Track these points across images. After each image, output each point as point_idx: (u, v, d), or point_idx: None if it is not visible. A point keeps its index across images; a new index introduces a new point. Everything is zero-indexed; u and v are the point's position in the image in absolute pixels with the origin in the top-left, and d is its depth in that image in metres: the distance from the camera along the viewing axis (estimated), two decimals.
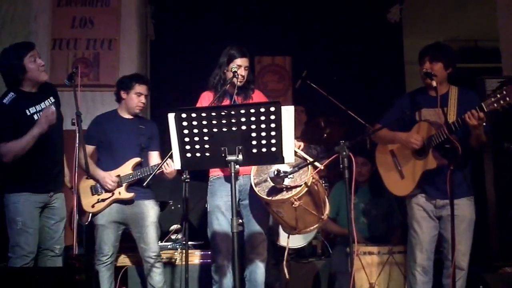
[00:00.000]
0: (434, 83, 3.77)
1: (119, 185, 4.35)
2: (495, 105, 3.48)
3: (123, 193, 4.36)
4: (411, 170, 3.94)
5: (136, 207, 4.39)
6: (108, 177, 4.33)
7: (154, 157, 4.53)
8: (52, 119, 3.90)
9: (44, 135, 3.89)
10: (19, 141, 3.84)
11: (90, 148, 4.43)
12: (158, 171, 4.03)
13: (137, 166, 4.40)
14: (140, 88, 4.47)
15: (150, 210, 4.42)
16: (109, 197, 4.36)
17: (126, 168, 4.38)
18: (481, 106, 3.53)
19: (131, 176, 4.34)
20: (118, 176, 4.36)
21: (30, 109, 3.97)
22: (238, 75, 3.92)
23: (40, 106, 4.01)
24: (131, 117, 4.54)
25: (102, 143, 4.45)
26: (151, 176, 4.03)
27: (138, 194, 4.38)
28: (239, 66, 3.97)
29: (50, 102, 4.08)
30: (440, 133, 3.72)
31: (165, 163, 4.06)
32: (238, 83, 3.97)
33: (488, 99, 3.52)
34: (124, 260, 4.89)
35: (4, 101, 3.92)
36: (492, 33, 6.26)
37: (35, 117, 3.95)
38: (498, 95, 3.47)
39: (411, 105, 4.07)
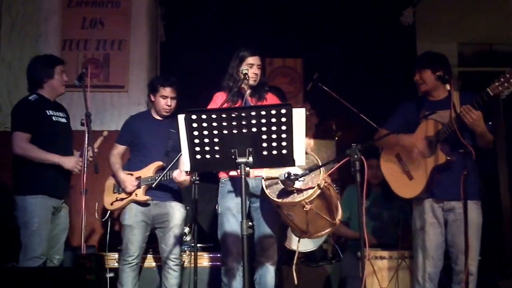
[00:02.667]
0: (448, 86, 3.79)
1: (138, 186, 4.38)
2: (500, 88, 3.50)
3: (139, 195, 4.39)
4: (420, 169, 3.90)
5: (163, 208, 4.42)
6: (128, 181, 4.39)
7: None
8: (79, 169, 4.06)
9: (55, 142, 4.13)
10: (39, 152, 4.03)
11: (120, 148, 4.55)
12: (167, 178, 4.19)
13: (159, 170, 4.40)
14: (164, 91, 4.46)
15: (176, 212, 4.43)
16: (126, 197, 4.42)
17: (148, 171, 4.41)
18: (487, 91, 3.54)
19: (149, 179, 4.36)
20: (139, 177, 4.40)
21: (49, 111, 4.18)
22: (248, 77, 3.89)
23: (57, 114, 4.23)
24: (162, 118, 4.56)
25: (133, 143, 4.50)
26: (157, 181, 4.21)
27: (165, 195, 4.42)
28: (251, 65, 3.94)
29: (64, 116, 4.32)
30: (449, 127, 3.70)
31: (175, 173, 4.14)
32: (252, 82, 3.94)
33: (493, 83, 3.54)
34: None
35: (30, 98, 4.18)
36: (507, 37, 6.19)
37: (54, 118, 4.17)
38: (502, 79, 3.50)
39: (415, 110, 4.09)
